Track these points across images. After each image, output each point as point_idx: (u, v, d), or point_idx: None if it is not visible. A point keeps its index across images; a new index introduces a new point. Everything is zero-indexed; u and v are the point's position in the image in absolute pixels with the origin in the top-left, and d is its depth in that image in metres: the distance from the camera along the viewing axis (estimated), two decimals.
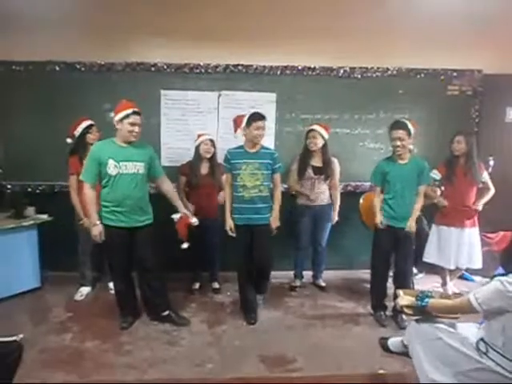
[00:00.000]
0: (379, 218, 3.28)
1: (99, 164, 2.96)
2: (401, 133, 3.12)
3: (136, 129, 2.96)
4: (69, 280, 3.91)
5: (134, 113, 2.95)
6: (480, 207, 3.60)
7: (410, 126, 3.16)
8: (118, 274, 3.19)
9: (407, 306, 2.21)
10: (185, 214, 3.19)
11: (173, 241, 3.24)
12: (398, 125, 3.17)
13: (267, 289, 3.57)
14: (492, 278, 1.90)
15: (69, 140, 3.59)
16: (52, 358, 2.76)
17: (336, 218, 3.87)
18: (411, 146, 3.70)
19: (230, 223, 3.27)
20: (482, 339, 1.92)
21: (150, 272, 3.18)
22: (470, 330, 2.06)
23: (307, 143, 3.73)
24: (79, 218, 3.55)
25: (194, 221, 3.20)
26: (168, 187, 3.24)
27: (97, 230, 3.00)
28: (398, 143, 3.14)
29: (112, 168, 2.95)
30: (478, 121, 4.26)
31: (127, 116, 2.93)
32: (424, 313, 2.13)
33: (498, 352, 1.85)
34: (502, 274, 1.87)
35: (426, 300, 2.09)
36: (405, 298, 2.25)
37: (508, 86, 4.14)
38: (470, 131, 3.86)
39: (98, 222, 3.00)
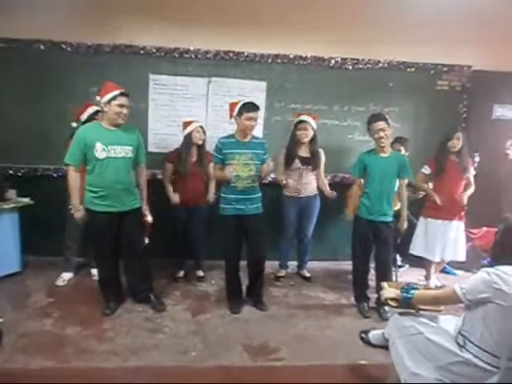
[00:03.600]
0: (350, 214, 3.40)
1: (85, 147, 2.89)
2: (383, 124, 3.16)
3: (124, 110, 2.89)
4: (50, 265, 3.86)
5: (122, 94, 2.88)
6: (465, 201, 3.63)
7: (387, 117, 3.22)
8: (104, 260, 3.13)
9: (392, 299, 2.23)
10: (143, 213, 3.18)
11: (157, 228, 3.25)
12: (378, 117, 3.21)
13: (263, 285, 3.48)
14: (479, 268, 1.93)
15: (74, 124, 3.47)
16: (32, 344, 2.71)
17: (333, 193, 3.81)
18: (402, 148, 3.76)
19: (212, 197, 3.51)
20: (459, 332, 1.95)
21: (136, 257, 3.16)
22: (450, 323, 2.08)
23: (298, 134, 3.69)
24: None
25: (149, 219, 3.19)
26: (143, 178, 3.19)
27: (80, 214, 2.97)
28: (382, 134, 3.16)
29: (100, 151, 2.88)
30: (465, 116, 4.29)
31: (114, 97, 2.86)
32: (409, 305, 2.14)
33: (474, 344, 1.88)
34: (489, 266, 1.89)
35: (412, 292, 2.10)
36: (390, 291, 2.26)
37: (496, 83, 4.18)
38: (462, 127, 3.89)
39: (81, 207, 2.97)
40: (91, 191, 2.95)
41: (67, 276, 3.70)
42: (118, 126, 2.95)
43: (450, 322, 2.09)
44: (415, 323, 2.10)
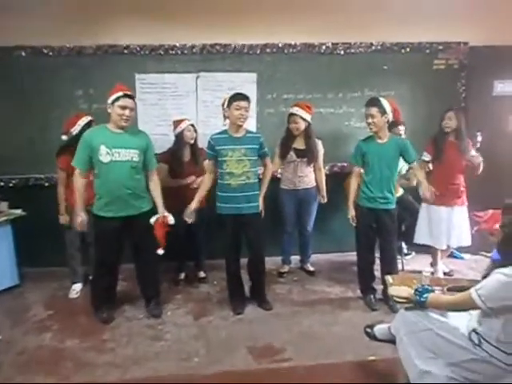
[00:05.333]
0: (351, 212, 3.26)
1: (91, 150, 2.83)
2: (373, 110, 3.05)
3: (127, 112, 2.82)
4: (49, 275, 3.81)
5: (125, 96, 2.81)
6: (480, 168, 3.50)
7: (384, 103, 3.06)
8: (107, 267, 3.04)
9: (401, 296, 2.10)
10: (162, 216, 3.01)
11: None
12: (370, 102, 3.10)
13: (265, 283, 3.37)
14: (490, 270, 1.79)
15: (64, 137, 3.34)
16: (31, 360, 2.65)
17: (325, 198, 3.76)
18: (402, 127, 3.62)
19: (191, 209, 3.09)
20: (474, 330, 1.84)
21: (146, 261, 3.12)
22: (460, 318, 1.96)
23: (290, 127, 3.59)
24: (60, 212, 3.43)
25: (171, 219, 3.02)
26: (155, 185, 3.08)
27: (79, 219, 2.87)
28: (370, 120, 3.07)
29: (104, 155, 2.81)
30: (464, 95, 4.14)
31: (117, 99, 2.80)
32: (422, 308, 2.01)
33: (491, 344, 1.77)
34: (500, 266, 1.76)
35: (426, 295, 1.97)
36: (401, 289, 2.12)
37: (495, 58, 4.02)
38: (459, 107, 3.75)
39: (82, 213, 2.88)
40: (99, 196, 2.90)
41: (78, 287, 3.58)
42: (124, 129, 2.88)
43: (460, 317, 1.97)
44: (423, 318, 1.98)
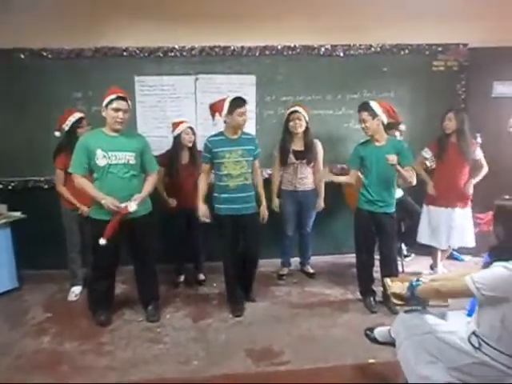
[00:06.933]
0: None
1: (88, 154, 2.81)
2: (363, 114, 3.06)
3: (120, 114, 2.80)
4: (49, 278, 3.81)
5: (118, 98, 2.79)
6: (471, 189, 3.51)
7: (374, 106, 3.06)
8: (104, 270, 3.03)
9: (396, 295, 2.10)
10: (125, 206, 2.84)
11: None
12: (361, 107, 3.12)
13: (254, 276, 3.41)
14: (491, 263, 1.77)
15: (57, 133, 3.35)
16: (28, 363, 2.63)
17: (322, 205, 3.74)
18: (403, 127, 3.62)
19: (203, 209, 3.14)
20: (473, 333, 1.82)
21: (146, 264, 3.11)
22: (460, 321, 1.95)
23: (290, 126, 3.56)
24: (75, 208, 3.32)
25: (131, 206, 2.82)
26: (148, 182, 3.03)
27: (110, 202, 2.77)
28: (362, 125, 3.09)
29: (101, 158, 2.81)
30: (464, 97, 4.14)
31: (111, 101, 2.78)
32: (414, 296, 2.00)
33: (491, 346, 1.75)
34: (498, 260, 1.74)
35: (419, 282, 1.98)
36: (395, 286, 2.12)
37: (494, 59, 4.00)
38: (460, 108, 3.75)
39: (106, 196, 2.79)
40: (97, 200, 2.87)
41: (77, 290, 3.56)
42: (119, 132, 2.87)
43: (459, 319, 1.95)
44: (423, 322, 1.96)
